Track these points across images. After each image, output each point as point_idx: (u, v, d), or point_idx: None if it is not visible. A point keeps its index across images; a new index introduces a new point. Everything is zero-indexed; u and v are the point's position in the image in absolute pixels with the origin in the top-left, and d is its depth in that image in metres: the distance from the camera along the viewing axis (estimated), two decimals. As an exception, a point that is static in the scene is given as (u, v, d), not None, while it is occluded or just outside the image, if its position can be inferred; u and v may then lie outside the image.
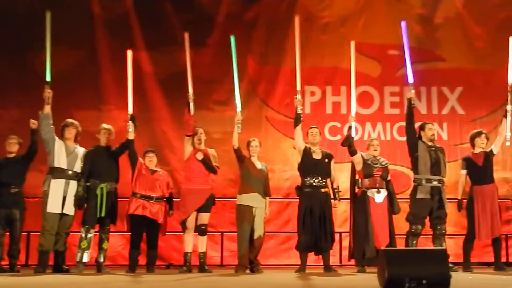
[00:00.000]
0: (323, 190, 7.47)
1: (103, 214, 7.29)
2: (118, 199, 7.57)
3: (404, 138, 7.78)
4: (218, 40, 9.90)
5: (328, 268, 7.39)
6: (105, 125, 7.73)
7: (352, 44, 7.91)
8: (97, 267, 7.39)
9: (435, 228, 7.50)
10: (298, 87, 7.55)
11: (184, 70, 7.79)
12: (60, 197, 7.22)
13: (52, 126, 7.32)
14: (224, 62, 8.47)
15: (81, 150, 7.51)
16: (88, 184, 7.36)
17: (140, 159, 7.57)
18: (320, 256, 7.58)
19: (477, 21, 10.38)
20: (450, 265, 6.49)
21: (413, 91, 7.55)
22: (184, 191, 7.60)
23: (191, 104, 7.58)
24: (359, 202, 7.56)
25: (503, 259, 8.38)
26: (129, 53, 7.70)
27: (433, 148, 7.63)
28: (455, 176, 8.37)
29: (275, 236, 9.39)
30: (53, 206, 7.17)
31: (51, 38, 7.28)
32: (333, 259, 8.46)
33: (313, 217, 7.33)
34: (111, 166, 7.52)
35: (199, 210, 7.52)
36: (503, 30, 9.87)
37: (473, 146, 7.89)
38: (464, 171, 7.81)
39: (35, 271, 7.07)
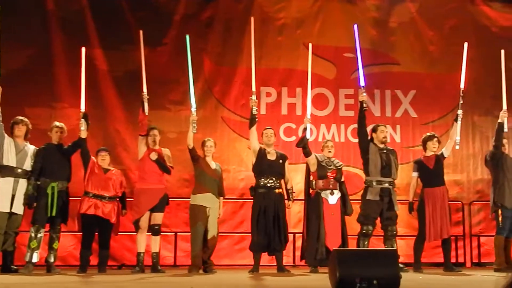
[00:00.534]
0: (277, 190, 7.50)
1: (54, 214, 7.17)
2: (70, 198, 7.47)
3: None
4: (175, 40, 9.83)
5: (281, 269, 7.42)
6: (57, 123, 7.61)
7: (310, 46, 7.96)
8: (47, 268, 7.28)
9: (386, 229, 7.61)
10: (254, 88, 7.58)
11: (139, 68, 7.73)
12: (8, 196, 7.08)
13: (1, 123, 7.17)
14: (180, 62, 8.42)
15: (31, 148, 7.37)
16: (38, 182, 7.23)
17: (92, 157, 7.48)
18: (274, 256, 7.62)
19: (430, 26, 10.56)
20: (401, 265, 6.62)
21: (365, 94, 7.63)
22: (137, 190, 7.55)
23: (145, 104, 7.53)
24: (313, 203, 7.61)
25: (453, 260, 8.54)
26: (83, 50, 7.59)
27: (385, 151, 7.73)
28: (407, 178, 8.53)
29: (229, 236, 9.39)
30: (1, 204, 7.03)
31: (2, 34, 7.11)
32: (287, 260, 8.50)
33: (267, 218, 7.35)
34: (63, 164, 7.40)
35: (152, 210, 7.48)
36: (455, 35, 10.09)
37: (425, 149, 8.02)
38: (415, 174, 7.94)
39: (-18, 272, 6.93)
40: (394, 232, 7.62)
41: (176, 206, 9.00)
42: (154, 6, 10.12)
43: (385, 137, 7.80)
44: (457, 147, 7.89)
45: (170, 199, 7.79)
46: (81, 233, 7.49)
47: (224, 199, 7.78)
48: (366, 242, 7.53)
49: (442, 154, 7.93)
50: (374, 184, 7.59)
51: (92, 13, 9.84)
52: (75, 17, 9.82)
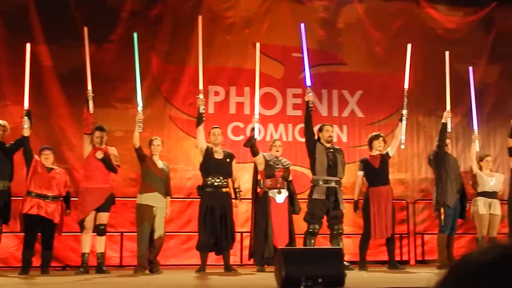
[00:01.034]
0: (224, 190, 7.48)
1: (-5, 214, 6.99)
2: (12, 198, 7.31)
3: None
4: (122, 37, 9.67)
5: (228, 268, 7.41)
6: (-1, 121, 7.43)
7: (258, 45, 7.97)
8: (-12, 269, 7.09)
9: (332, 228, 7.69)
10: (201, 87, 7.55)
11: (85, 65, 7.60)
12: None
13: None
14: (128, 59, 8.31)
15: (-28, 146, 7.18)
16: (-21, 182, 7.04)
17: (35, 156, 7.32)
18: (221, 255, 7.60)
19: (377, 28, 10.69)
20: (346, 263, 6.70)
21: (311, 93, 7.69)
22: (82, 190, 7.43)
23: (90, 102, 7.41)
24: (260, 202, 7.63)
25: (397, 258, 8.69)
26: (28, 47, 7.42)
27: (332, 150, 7.81)
28: (353, 177, 8.62)
29: (176, 236, 9.30)
30: None
31: None
32: (234, 259, 8.49)
33: (214, 217, 7.34)
34: (5, 163, 7.23)
35: (98, 210, 7.38)
36: (401, 37, 10.24)
37: (370, 148, 8.13)
38: (361, 173, 8.05)
39: None
40: (340, 231, 7.70)
41: (122, 205, 8.86)
42: (101, 2, 9.94)
43: (330, 136, 7.88)
44: (402, 146, 8.04)
45: (116, 199, 7.69)
46: (24, 233, 7.32)
47: (171, 198, 7.73)
48: (312, 241, 7.59)
49: (387, 153, 8.06)
50: (321, 183, 7.66)
51: (36, 8, 9.60)
52: (19, 12, 9.56)
